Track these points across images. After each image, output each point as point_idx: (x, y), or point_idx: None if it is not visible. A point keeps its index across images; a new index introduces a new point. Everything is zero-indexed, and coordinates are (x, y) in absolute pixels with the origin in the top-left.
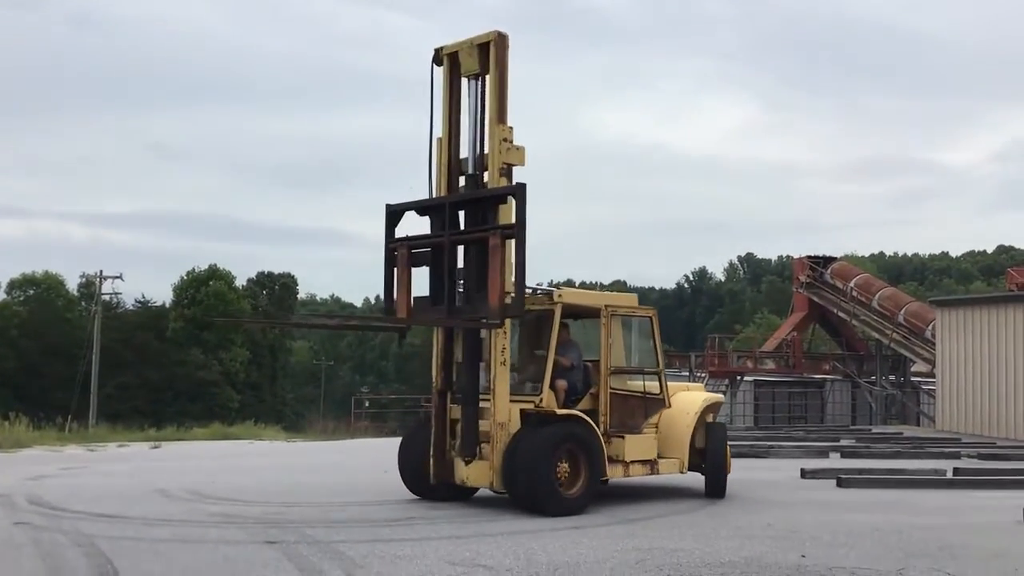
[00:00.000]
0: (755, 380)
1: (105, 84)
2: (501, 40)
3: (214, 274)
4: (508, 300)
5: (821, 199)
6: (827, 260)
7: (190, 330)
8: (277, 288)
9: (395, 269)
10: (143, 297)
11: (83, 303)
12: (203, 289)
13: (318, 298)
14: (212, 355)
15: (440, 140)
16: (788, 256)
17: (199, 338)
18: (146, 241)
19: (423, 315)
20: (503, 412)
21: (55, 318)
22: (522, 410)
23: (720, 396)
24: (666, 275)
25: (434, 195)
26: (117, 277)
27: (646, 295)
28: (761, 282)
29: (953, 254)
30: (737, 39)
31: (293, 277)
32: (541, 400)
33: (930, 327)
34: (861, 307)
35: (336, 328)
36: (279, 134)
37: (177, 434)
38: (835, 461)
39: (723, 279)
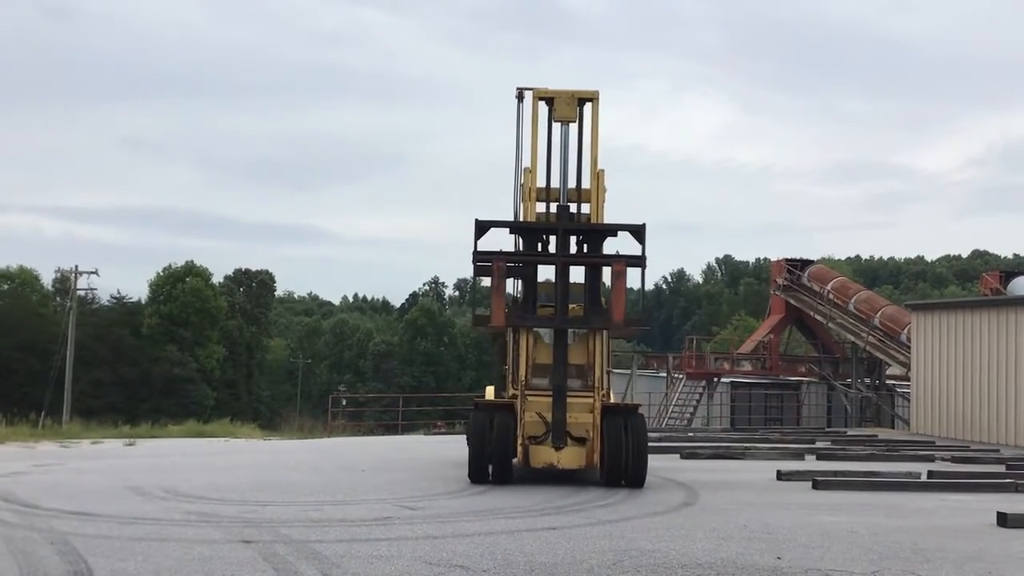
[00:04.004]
0: (732, 382)
1: (80, 77)
2: (598, 97)
3: (191, 271)
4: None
5: (798, 202)
6: (804, 263)
7: (166, 326)
8: (254, 285)
9: (481, 279)
10: (119, 293)
11: (58, 298)
12: (180, 285)
13: (296, 295)
14: (188, 352)
15: (528, 171)
16: (765, 258)
17: (175, 335)
18: (122, 236)
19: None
20: (599, 407)
21: (29, 313)
22: (604, 405)
23: None
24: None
25: (521, 218)
26: (92, 272)
27: None
28: (738, 284)
29: (928, 258)
30: (715, 41)
31: (270, 274)
32: (605, 396)
33: (905, 331)
34: (837, 310)
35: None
36: (256, 130)
37: (152, 431)
38: (811, 463)
39: (701, 281)
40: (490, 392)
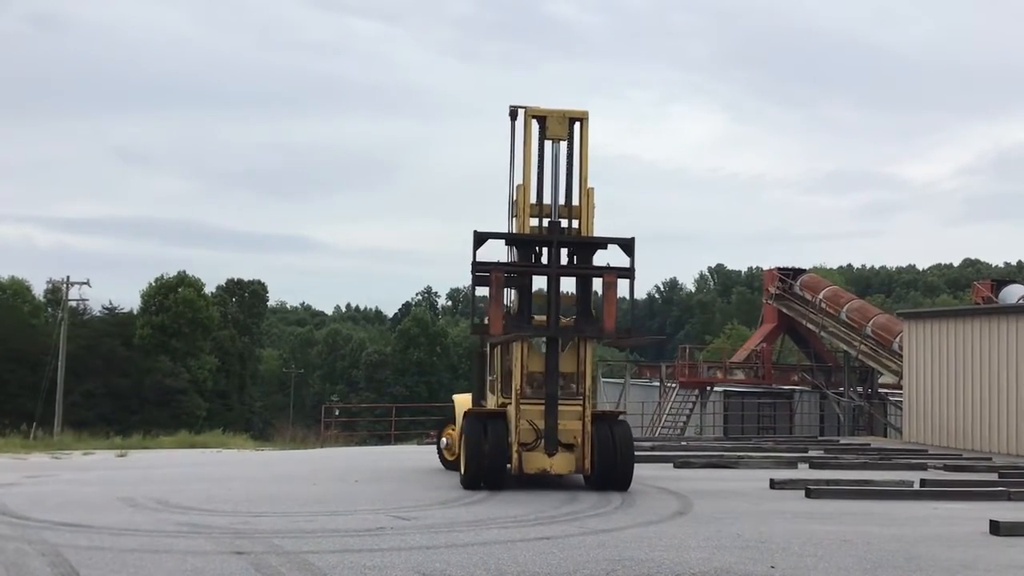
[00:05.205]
0: (725, 390)
1: (69, 86)
2: (587, 117)
3: (183, 281)
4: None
5: (790, 211)
6: (796, 272)
7: (158, 337)
8: (247, 295)
9: (478, 289)
10: (110, 304)
11: (49, 309)
12: (172, 296)
13: (288, 305)
14: (180, 362)
15: (521, 187)
16: (758, 267)
17: (167, 345)
18: (114, 247)
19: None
20: (589, 414)
21: (21, 324)
22: (594, 411)
23: None
24: (636, 285)
25: (513, 231)
26: (84, 283)
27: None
28: (731, 293)
29: (920, 267)
30: (706, 51)
31: (263, 284)
32: (594, 404)
33: (897, 339)
34: (829, 319)
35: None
36: (248, 139)
37: (143, 442)
38: (804, 472)
39: (693, 290)
40: (461, 400)
